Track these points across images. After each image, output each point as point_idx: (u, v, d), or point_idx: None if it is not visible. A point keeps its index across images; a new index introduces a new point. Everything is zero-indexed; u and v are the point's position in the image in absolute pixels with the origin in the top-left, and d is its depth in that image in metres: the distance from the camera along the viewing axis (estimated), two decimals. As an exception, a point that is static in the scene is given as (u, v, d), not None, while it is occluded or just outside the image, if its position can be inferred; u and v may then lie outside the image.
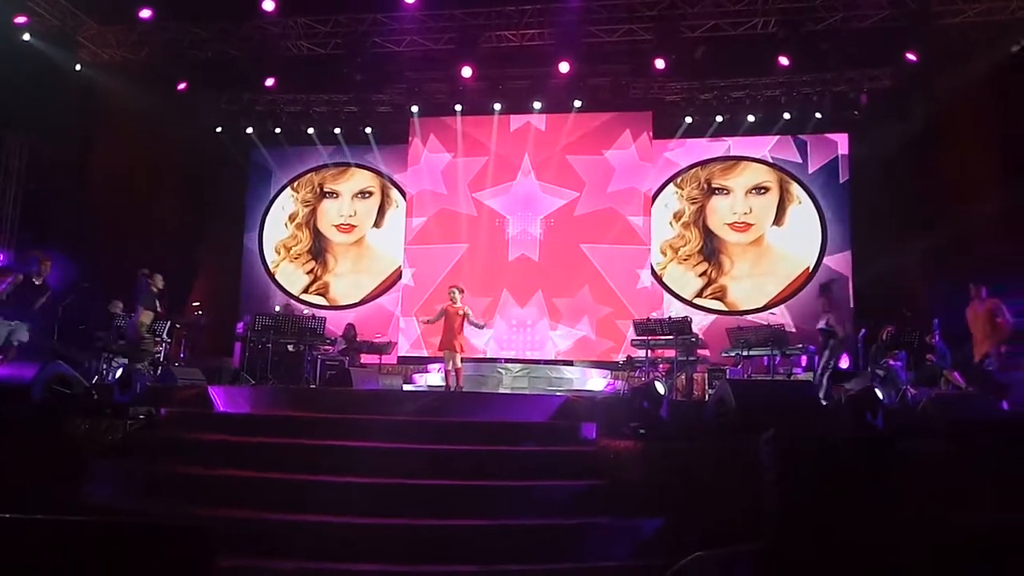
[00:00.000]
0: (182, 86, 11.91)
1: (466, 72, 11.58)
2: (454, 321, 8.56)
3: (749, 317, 12.10)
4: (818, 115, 12.21)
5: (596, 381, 11.01)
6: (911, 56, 10.51)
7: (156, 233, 11.92)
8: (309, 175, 14.23)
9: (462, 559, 3.79)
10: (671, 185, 13.19)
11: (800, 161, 12.72)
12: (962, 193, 10.45)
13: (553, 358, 12.44)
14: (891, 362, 9.17)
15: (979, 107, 10.13)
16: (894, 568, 3.51)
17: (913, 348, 9.05)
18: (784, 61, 10.97)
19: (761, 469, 4.27)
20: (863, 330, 10.03)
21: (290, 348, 10.53)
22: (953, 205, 10.51)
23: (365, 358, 11.27)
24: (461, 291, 8.83)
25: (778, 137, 12.69)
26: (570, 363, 12.23)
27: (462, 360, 9.46)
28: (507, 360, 11.94)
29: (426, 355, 12.59)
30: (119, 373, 6.00)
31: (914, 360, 9.01)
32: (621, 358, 11.54)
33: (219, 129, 13.44)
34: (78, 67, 11.54)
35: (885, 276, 11.01)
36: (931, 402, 5.04)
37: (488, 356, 12.27)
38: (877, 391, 5.21)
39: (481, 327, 9.36)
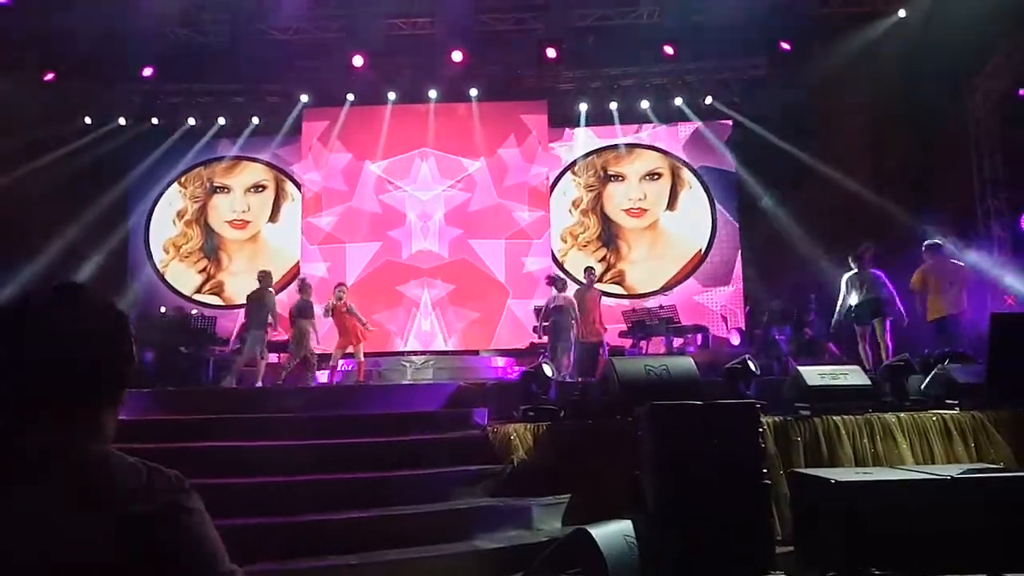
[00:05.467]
0: (49, 76, 11.13)
1: (357, 61, 11.37)
2: (344, 319, 8.76)
3: (646, 301, 12.44)
4: (706, 101, 12.67)
5: (500, 368, 11.10)
6: (785, 45, 11.08)
7: (27, 239, 11.04)
8: (197, 170, 13.58)
9: (342, 551, 3.74)
10: (568, 173, 13.39)
11: (689, 147, 13.18)
12: (838, 171, 11.08)
13: (457, 348, 12.42)
14: (775, 335, 9.68)
15: (850, 88, 10.79)
16: (756, 525, 3.73)
17: (794, 321, 9.57)
18: (669, 50, 11.35)
19: (640, 441, 4.43)
20: (748, 305, 10.54)
21: (182, 350, 10.20)
22: (830, 184, 11.17)
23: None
24: (345, 288, 9.25)
25: (668, 124, 13.10)
26: (476, 352, 12.25)
27: (364, 355, 9.50)
28: (410, 352, 11.86)
29: (330, 352, 12.30)
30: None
31: (794, 333, 9.53)
32: (525, 344, 11.66)
33: (89, 121, 12.52)
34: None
35: (769, 254, 11.60)
36: (800, 372, 5.35)
37: (391, 350, 12.13)
38: (750, 363, 5.46)
39: (363, 324, 9.39)
